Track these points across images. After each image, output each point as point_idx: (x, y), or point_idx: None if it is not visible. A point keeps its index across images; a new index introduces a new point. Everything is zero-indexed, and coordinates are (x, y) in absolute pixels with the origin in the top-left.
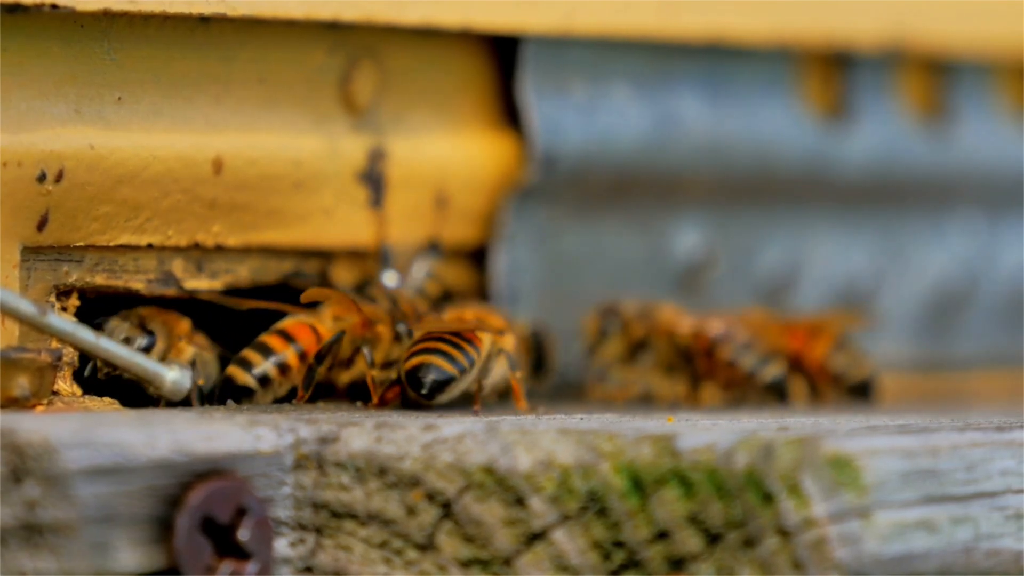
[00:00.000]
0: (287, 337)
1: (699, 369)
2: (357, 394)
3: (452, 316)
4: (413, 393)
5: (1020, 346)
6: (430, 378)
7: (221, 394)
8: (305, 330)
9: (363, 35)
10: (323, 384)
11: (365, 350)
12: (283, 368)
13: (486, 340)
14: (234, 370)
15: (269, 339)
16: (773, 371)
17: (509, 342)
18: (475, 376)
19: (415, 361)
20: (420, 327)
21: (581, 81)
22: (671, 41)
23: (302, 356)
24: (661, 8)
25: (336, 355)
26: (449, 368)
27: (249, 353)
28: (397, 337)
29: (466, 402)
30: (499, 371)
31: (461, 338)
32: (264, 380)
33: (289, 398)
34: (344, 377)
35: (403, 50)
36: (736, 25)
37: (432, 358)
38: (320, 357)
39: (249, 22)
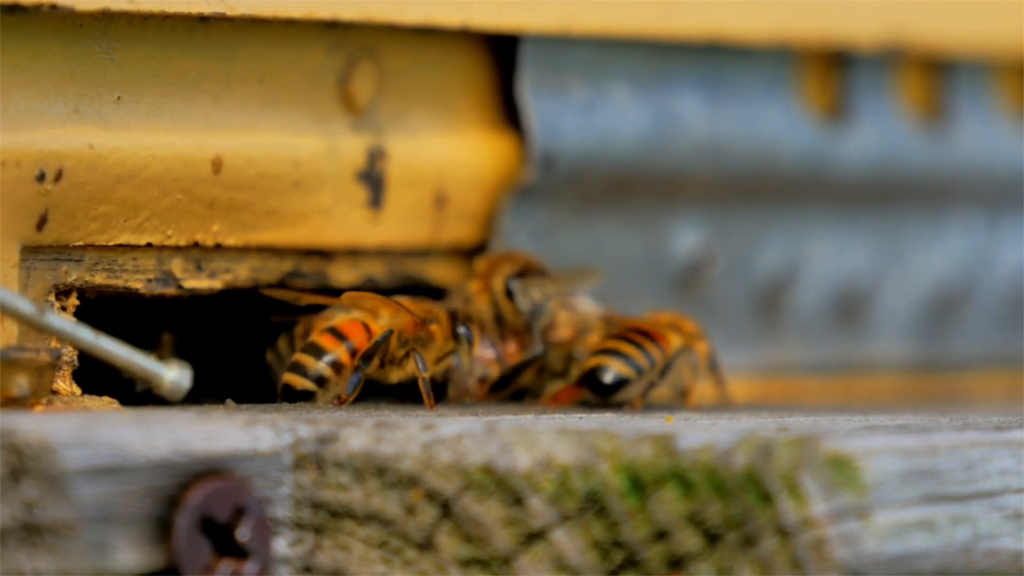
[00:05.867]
0: (339, 335)
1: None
2: (406, 393)
3: (648, 320)
4: (590, 392)
5: (1019, 346)
6: (608, 378)
7: (282, 400)
8: (357, 328)
9: (362, 35)
10: (369, 383)
11: (416, 354)
12: (336, 367)
13: (674, 342)
14: (291, 377)
15: (321, 339)
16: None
17: (702, 347)
18: (654, 376)
19: (594, 361)
20: (608, 328)
21: (580, 81)
22: (670, 41)
23: (354, 353)
24: (660, 8)
25: (384, 354)
26: (625, 370)
27: (302, 357)
28: (456, 339)
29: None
30: (680, 373)
31: (647, 338)
32: (321, 381)
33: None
34: (394, 376)
35: (402, 50)
36: (735, 25)
37: (609, 359)
38: (367, 357)
39: (248, 21)
